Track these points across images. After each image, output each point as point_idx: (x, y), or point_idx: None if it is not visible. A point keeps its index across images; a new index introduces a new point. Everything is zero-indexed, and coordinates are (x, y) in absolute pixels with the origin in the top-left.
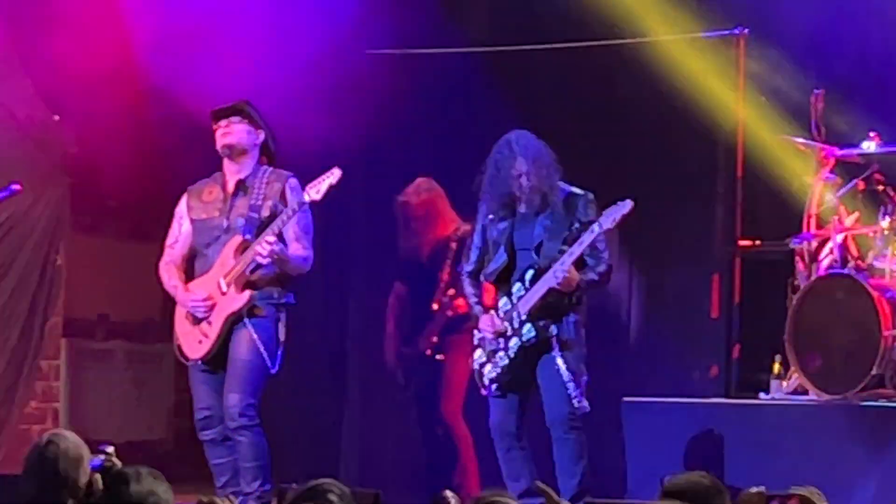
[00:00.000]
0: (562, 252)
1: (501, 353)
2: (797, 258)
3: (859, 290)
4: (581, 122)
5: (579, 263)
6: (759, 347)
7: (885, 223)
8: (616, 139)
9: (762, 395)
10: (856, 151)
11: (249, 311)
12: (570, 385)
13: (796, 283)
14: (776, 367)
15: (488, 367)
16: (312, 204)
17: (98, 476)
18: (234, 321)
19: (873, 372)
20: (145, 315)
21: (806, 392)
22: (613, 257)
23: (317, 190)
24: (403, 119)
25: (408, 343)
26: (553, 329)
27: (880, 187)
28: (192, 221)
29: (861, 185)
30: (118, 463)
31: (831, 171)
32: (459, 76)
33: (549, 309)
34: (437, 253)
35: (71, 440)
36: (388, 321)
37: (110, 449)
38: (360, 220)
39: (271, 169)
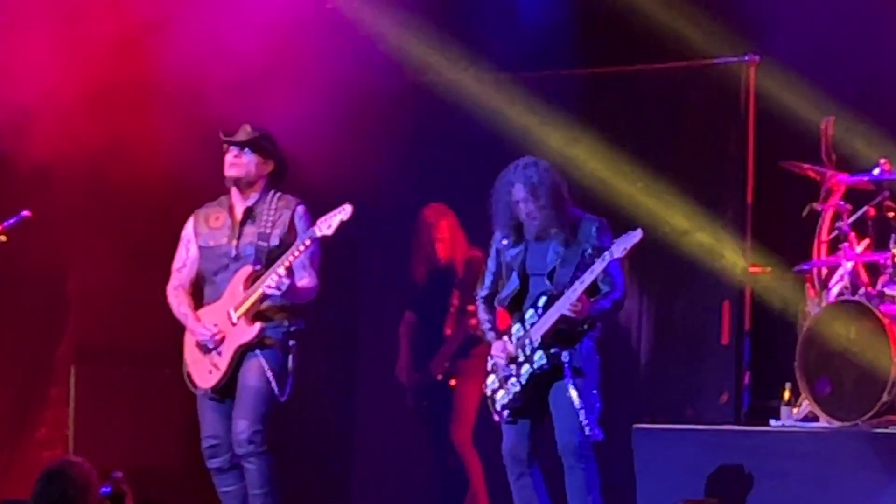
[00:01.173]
0: (575, 278)
1: (514, 380)
2: (807, 285)
3: (870, 317)
4: (592, 148)
5: (593, 289)
6: (769, 374)
7: (895, 249)
8: (627, 165)
9: (773, 422)
10: (866, 178)
11: (260, 341)
12: (582, 413)
13: (807, 309)
14: (787, 394)
15: (501, 393)
16: (323, 239)
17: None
18: (244, 352)
19: (884, 399)
20: (154, 342)
21: (817, 419)
22: (625, 284)
23: (328, 225)
24: (415, 145)
25: (419, 368)
26: (565, 356)
27: (891, 214)
28: (200, 248)
29: (871, 212)
30: (128, 491)
31: (842, 198)
32: (473, 101)
33: (562, 336)
34: (447, 277)
35: (79, 466)
36: (401, 347)
37: (119, 475)
38: (369, 246)
39: (279, 194)
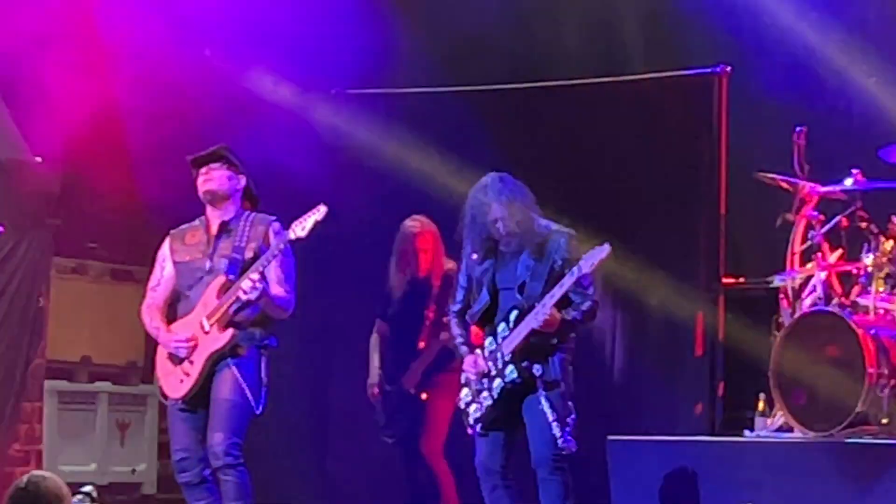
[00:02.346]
0: (545, 292)
1: (486, 394)
2: (781, 295)
3: (843, 328)
4: (563, 160)
5: (564, 301)
6: (743, 385)
7: (868, 260)
8: (599, 177)
9: (747, 432)
10: (839, 188)
11: (232, 350)
12: (554, 425)
13: (780, 320)
14: (761, 405)
15: (473, 407)
16: (298, 241)
17: None
18: (216, 360)
19: (858, 409)
20: (128, 357)
21: (791, 429)
22: (598, 294)
23: (302, 227)
24: (387, 158)
25: (391, 381)
26: (537, 369)
27: (863, 224)
28: (176, 264)
29: (844, 222)
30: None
31: (814, 209)
32: (439, 115)
33: (534, 349)
34: (424, 289)
35: (51, 481)
36: (371, 359)
37: (89, 488)
38: (342, 259)
39: (255, 213)
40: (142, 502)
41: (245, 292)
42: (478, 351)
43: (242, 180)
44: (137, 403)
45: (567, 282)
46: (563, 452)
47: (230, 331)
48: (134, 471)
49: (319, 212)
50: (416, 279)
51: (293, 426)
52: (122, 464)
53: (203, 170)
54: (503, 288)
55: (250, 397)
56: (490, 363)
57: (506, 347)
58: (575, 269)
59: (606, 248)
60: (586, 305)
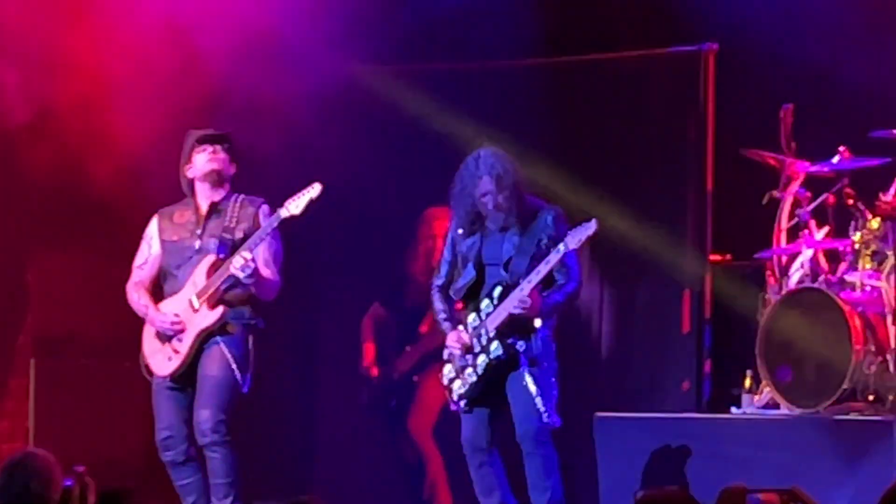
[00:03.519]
0: (531, 269)
1: (470, 370)
2: (768, 273)
3: (830, 305)
4: (550, 137)
5: (549, 280)
6: (730, 362)
7: (855, 237)
8: (586, 154)
9: (734, 409)
10: (826, 166)
11: (221, 328)
12: (539, 400)
13: (767, 297)
14: (748, 382)
15: (457, 384)
16: (291, 219)
17: (76, 491)
18: (205, 338)
19: (845, 385)
20: (115, 334)
21: (777, 406)
22: (584, 272)
23: (296, 204)
24: (380, 136)
25: (385, 363)
26: (521, 346)
27: (850, 201)
28: (163, 242)
29: (831, 200)
30: (91, 483)
31: (801, 186)
32: (426, 92)
33: (518, 326)
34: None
35: (43, 458)
36: (364, 341)
37: (82, 469)
38: (332, 240)
39: (244, 196)
40: (130, 479)
41: (237, 268)
42: (461, 327)
43: (234, 167)
44: (125, 379)
45: (553, 259)
46: (548, 427)
47: (220, 308)
48: (121, 447)
49: (314, 189)
50: (430, 266)
51: (281, 406)
52: (109, 440)
53: (210, 148)
54: (489, 264)
55: (238, 375)
56: (474, 339)
57: (490, 324)
58: (560, 245)
59: (593, 224)
60: (570, 286)
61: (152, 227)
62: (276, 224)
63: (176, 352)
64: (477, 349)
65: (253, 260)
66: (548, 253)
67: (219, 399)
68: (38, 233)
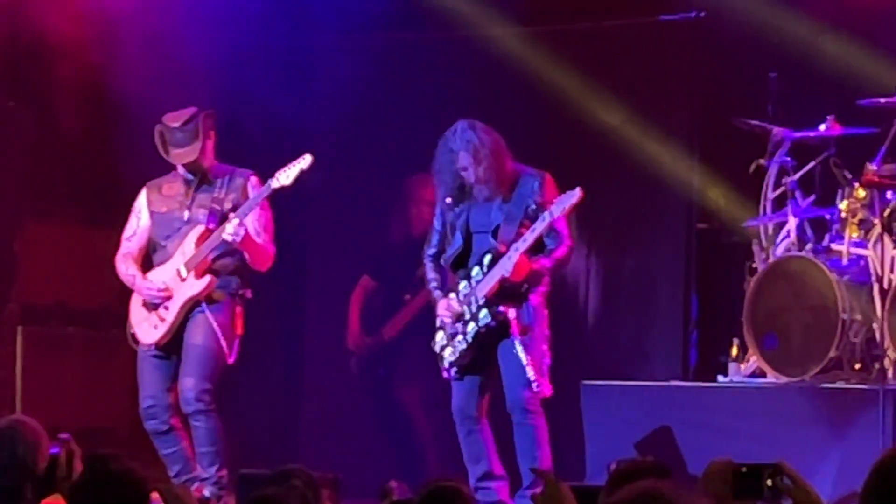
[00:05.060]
0: (519, 235)
1: (460, 338)
2: (754, 241)
3: (817, 273)
4: (538, 105)
5: (538, 246)
6: (717, 330)
7: (841, 205)
8: (573, 123)
9: (720, 377)
10: (812, 134)
11: (208, 297)
12: (529, 369)
13: (754, 265)
14: (734, 350)
15: (448, 351)
16: (282, 190)
17: (62, 458)
18: (191, 307)
19: (831, 354)
20: (102, 302)
21: (764, 375)
22: (573, 238)
23: (287, 175)
24: (368, 105)
25: (371, 333)
26: (511, 313)
27: (837, 170)
28: (152, 214)
29: (818, 168)
30: (77, 450)
31: (788, 154)
32: (420, 60)
33: (508, 293)
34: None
35: (29, 425)
36: (352, 311)
37: (66, 436)
38: (319, 210)
39: (233, 168)
40: (115, 447)
41: (231, 234)
42: (451, 295)
43: (210, 143)
44: (111, 348)
45: (539, 227)
46: (538, 396)
47: (208, 277)
48: (107, 415)
49: (305, 160)
50: (413, 233)
51: (268, 375)
52: (95, 408)
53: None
54: (477, 231)
55: (224, 344)
56: (465, 307)
57: (479, 291)
58: (546, 214)
59: (577, 192)
60: (560, 252)
61: (141, 199)
62: (267, 194)
63: (162, 320)
64: (467, 317)
65: (242, 226)
66: (536, 219)
67: (204, 368)
68: (26, 200)
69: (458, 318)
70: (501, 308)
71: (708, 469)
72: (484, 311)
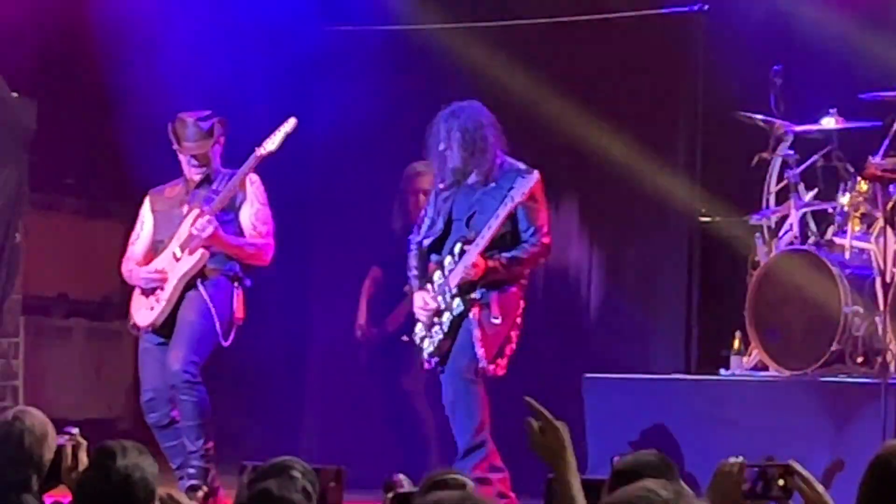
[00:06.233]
0: (489, 228)
1: (437, 328)
2: (757, 234)
3: (819, 267)
4: (541, 98)
5: (514, 239)
6: (719, 323)
7: (844, 199)
8: (576, 116)
9: (722, 371)
10: (815, 128)
11: (203, 274)
12: (478, 344)
13: (756, 259)
14: (736, 343)
15: (427, 342)
16: (269, 155)
17: (68, 450)
18: (188, 285)
19: (833, 348)
20: (104, 293)
21: (766, 368)
22: (574, 234)
23: (272, 141)
24: (370, 97)
25: (377, 324)
26: (477, 294)
27: (839, 163)
28: (154, 214)
29: (821, 162)
30: (83, 442)
31: (790, 148)
32: (423, 53)
33: (483, 283)
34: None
35: (37, 417)
36: (361, 302)
37: (75, 430)
38: (322, 200)
39: (234, 170)
40: (117, 438)
41: (197, 229)
42: (429, 285)
43: (222, 139)
44: (113, 339)
45: (502, 213)
46: (479, 368)
47: (200, 251)
48: (110, 407)
49: (289, 124)
50: (412, 224)
51: (270, 366)
52: (97, 399)
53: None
54: (455, 219)
55: (217, 323)
56: (439, 297)
57: (451, 281)
58: (507, 198)
59: (535, 174)
60: (531, 247)
61: (144, 206)
62: (254, 163)
63: (158, 300)
64: (442, 307)
65: (212, 223)
66: (513, 214)
67: (192, 342)
68: (29, 191)
69: (434, 312)
70: (474, 296)
71: (718, 470)
72: (457, 301)
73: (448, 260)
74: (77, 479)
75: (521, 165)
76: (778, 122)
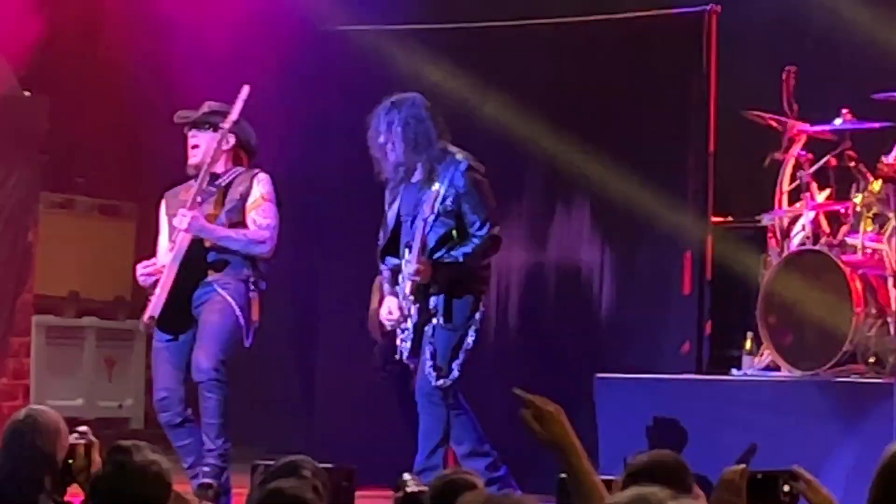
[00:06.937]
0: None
1: (406, 333)
2: (769, 234)
3: (831, 267)
4: (551, 98)
5: (463, 234)
6: (731, 324)
7: (857, 199)
8: (587, 116)
9: (734, 371)
10: (828, 128)
11: (217, 265)
12: (428, 363)
13: (768, 259)
14: (748, 344)
15: (405, 345)
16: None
17: (81, 449)
18: (188, 267)
19: (845, 348)
20: (116, 292)
21: (778, 368)
22: (585, 235)
23: (230, 113)
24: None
25: None
26: (432, 301)
27: (852, 163)
28: (169, 217)
29: (833, 162)
30: (96, 441)
31: (803, 148)
32: (426, 53)
33: (432, 285)
34: None
35: (49, 415)
36: (372, 300)
37: (84, 428)
38: (330, 199)
39: (244, 168)
40: (129, 437)
41: (177, 222)
42: (397, 289)
43: (231, 139)
44: (125, 338)
45: (428, 218)
46: (434, 388)
47: (190, 212)
48: (121, 406)
49: (243, 91)
50: None
51: (281, 366)
52: (109, 399)
53: (191, 140)
54: (404, 220)
55: (241, 321)
56: (403, 302)
57: (405, 288)
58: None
59: (464, 163)
60: (475, 240)
61: (161, 210)
62: (221, 138)
63: (159, 286)
64: (406, 312)
65: (187, 216)
66: (453, 209)
67: (219, 341)
68: (41, 191)
69: (401, 318)
70: (427, 301)
71: (722, 477)
72: (413, 309)
73: (403, 264)
74: (91, 478)
75: (457, 153)
76: (790, 121)
